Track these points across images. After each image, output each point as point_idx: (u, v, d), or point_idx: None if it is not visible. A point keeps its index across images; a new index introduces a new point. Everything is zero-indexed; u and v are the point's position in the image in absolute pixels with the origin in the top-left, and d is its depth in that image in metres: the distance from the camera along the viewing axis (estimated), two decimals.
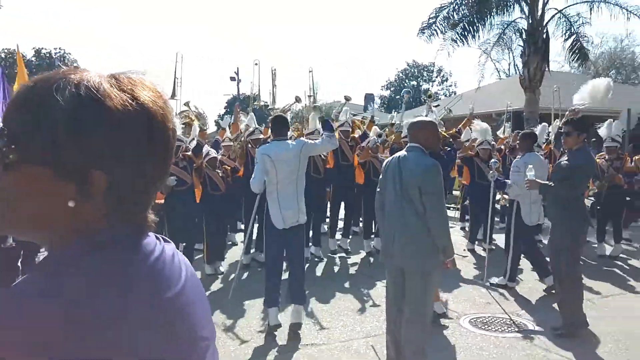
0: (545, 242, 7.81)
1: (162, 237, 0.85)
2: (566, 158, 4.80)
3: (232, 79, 35.60)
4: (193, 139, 7.36)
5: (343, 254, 7.85)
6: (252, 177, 4.86)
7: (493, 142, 8.44)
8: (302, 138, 6.27)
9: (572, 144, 4.77)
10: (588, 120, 5.73)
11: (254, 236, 7.32)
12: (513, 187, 5.85)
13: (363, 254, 7.85)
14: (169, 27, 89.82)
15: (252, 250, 7.34)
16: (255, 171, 4.81)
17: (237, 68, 36.25)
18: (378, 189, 3.88)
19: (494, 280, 6.25)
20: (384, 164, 3.90)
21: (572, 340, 4.52)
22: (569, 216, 4.66)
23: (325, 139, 4.94)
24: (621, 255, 7.82)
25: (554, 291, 5.68)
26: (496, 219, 7.51)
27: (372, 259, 7.48)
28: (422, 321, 3.59)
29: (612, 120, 7.95)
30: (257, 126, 7.79)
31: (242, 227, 8.08)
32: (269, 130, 5.68)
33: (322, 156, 7.48)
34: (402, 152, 3.76)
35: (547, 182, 4.95)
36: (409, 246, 3.58)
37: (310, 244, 7.58)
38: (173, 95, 8.43)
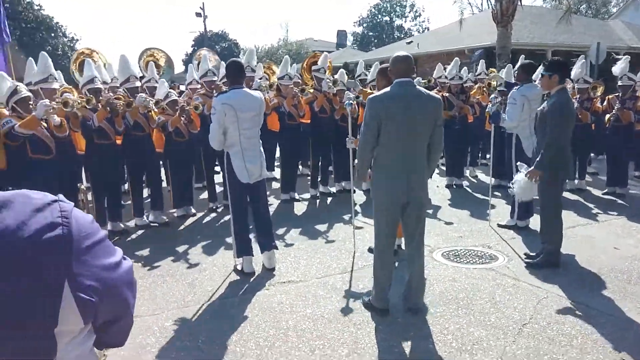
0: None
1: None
2: (545, 103, 4.73)
3: (198, 14, 34.18)
4: (150, 79, 6.95)
5: (319, 195, 7.84)
6: (211, 133, 4.50)
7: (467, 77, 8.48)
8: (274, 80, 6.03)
9: (548, 87, 4.71)
10: (564, 57, 5.63)
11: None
12: (506, 121, 5.74)
13: (337, 195, 7.92)
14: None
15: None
16: (214, 126, 4.45)
17: (203, 3, 34.81)
18: (368, 129, 3.60)
19: (503, 221, 6.12)
20: (373, 103, 3.58)
21: (540, 269, 4.68)
22: (550, 161, 4.61)
23: None
24: (587, 187, 8.07)
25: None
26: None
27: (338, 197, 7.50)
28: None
29: (583, 61, 7.91)
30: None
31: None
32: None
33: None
34: (397, 88, 3.58)
35: (538, 158, 4.65)
36: (420, 180, 3.70)
37: (288, 190, 7.57)
38: None
